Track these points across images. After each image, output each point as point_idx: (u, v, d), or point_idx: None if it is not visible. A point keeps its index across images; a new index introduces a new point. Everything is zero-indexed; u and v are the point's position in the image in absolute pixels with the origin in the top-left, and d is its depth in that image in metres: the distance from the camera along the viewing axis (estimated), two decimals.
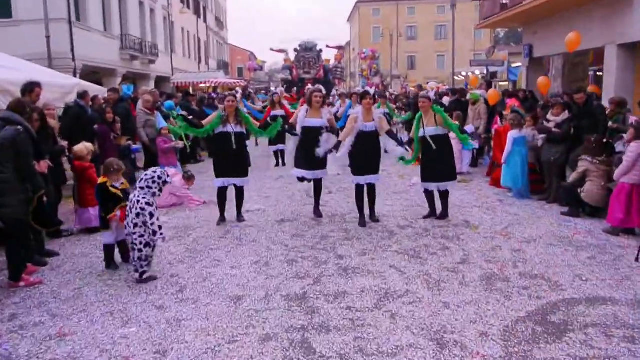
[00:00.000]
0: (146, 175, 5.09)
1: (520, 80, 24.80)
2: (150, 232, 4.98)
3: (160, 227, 5.00)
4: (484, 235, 6.50)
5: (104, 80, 21.71)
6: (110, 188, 5.44)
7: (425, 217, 7.30)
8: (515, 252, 5.82)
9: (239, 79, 46.61)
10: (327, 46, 34.31)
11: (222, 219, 7.20)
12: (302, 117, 7.05)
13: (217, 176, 7.01)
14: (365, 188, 7.05)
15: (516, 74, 26.58)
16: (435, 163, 7.04)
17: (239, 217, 7.31)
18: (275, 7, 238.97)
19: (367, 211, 7.17)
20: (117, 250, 5.60)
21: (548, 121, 8.64)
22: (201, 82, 28.78)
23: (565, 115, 8.47)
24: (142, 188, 5.03)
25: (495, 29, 69.68)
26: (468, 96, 12.34)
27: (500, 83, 31.19)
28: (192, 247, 6.13)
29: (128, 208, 5.08)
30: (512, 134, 8.53)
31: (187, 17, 35.88)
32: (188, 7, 37.31)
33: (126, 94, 12.49)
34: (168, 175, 5.21)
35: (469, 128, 10.88)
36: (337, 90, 25.01)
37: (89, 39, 19.10)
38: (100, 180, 5.51)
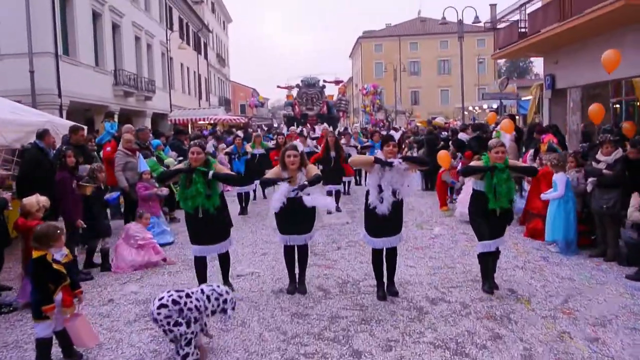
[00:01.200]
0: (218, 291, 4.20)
1: (531, 112, 23.65)
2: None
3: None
4: (541, 313, 5.01)
5: (95, 117, 20.59)
6: (53, 263, 4.05)
7: (486, 291, 5.61)
8: (592, 342, 4.33)
9: (240, 115, 45.75)
10: (325, 81, 33.35)
11: None
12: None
13: (192, 242, 5.60)
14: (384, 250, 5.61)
15: (526, 107, 25.42)
16: (498, 218, 5.57)
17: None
18: (277, 45, 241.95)
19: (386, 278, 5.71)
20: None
21: (597, 162, 7.25)
22: (200, 119, 27.67)
23: (619, 153, 7.09)
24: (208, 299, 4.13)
25: (504, 60, 69.13)
26: (494, 134, 11.02)
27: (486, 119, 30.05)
28: (159, 335, 4.63)
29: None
30: (560, 177, 7.13)
31: (186, 54, 35.10)
32: (188, 43, 36.60)
33: (108, 132, 11.19)
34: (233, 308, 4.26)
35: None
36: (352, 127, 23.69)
37: (78, 74, 17.97)
38: (36, 253, 4.10)
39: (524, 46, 14.06)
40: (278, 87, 31.48)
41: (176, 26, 32.92)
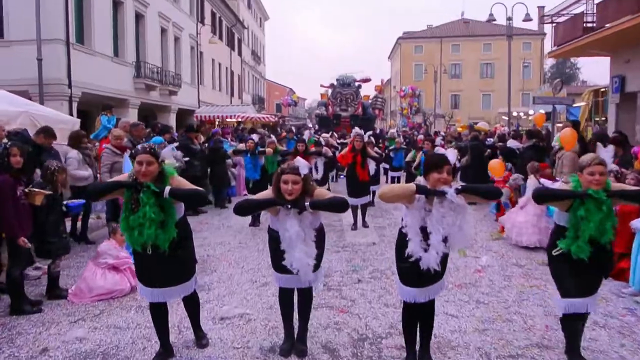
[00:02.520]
0: None
1: (582, 120, 21.46)
2: None
3: None
4: None
5: (114, 111, 19.43)
6: None
7: None
8: None
9: (275, 114, 44.50)
10: (355, 80, 31.54)
11: (164, 352, 4.08)
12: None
13: (140, 281, 4.00)
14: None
15: (576, 114, 23.25)
16: (591, 266, 3.74)
17: (199, 340, 4.32)
18: (315, 45, 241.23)
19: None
20: None
21: None
22: (228, 117, 26.40)
23: None
24: None
25: (550, 65, 66.06)
26: (554, 142, 9.22)
27: (558, 124, 27.78)
28: None
29: None
30: None
31: (219, 49, 33.99)
32: (221, 38, 35.50)
33: (105, 127, 9.86)
34: None
35: (548, 183, 7.71)
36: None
37: (93, 64, 16.82)
38: None
39: (588, 42, 12.15)
40: (321, 85, 29.97)
41: (208, 20, 31.79)
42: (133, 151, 7.94)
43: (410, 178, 11.68)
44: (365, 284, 6.09)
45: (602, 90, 23.98)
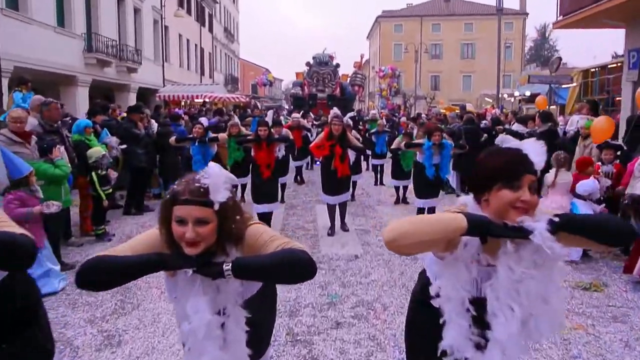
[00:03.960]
0: None
1: (570, 102, 20.01)
2: None
3: None
4: None
5: (61, 89, 17.26)
6: None
7: None
8: None
9: (248, 95, 42.35)
10: (339, 65, 29.43)
11: None
12: None
13: None
14: None
15: (565, 96, 21.79)
16: None
17: None
18: (292, 24, 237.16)
19: None
20: None
21: None
22: (195, 96, 24.25)
23: None
24: None
25: (529, 47, 65.07)
26: (574, 126, 7.50)
27: (552, 107, 26.35)
28: None
29: None
30: None
31: (186, 24, 31.59)
32: (189, 12, 33.06)
33: (18, 107, 7.83)
34: None
35: (590, 185, 6.02)
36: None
37: (30, 34, 14.50)
38: None
39: (600, 10, 10.45)
40: (297, 73, 28.12)
41: None
42: (43, 143, 6.01)
43: (398, 168, 9.91)
44: (346, 329, 4.30)
45: (592, 70, 22.51)
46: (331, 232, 7.46)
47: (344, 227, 7.68)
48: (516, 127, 10.96)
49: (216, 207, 1.79)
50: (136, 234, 2.34)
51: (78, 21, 17.49)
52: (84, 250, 6.49)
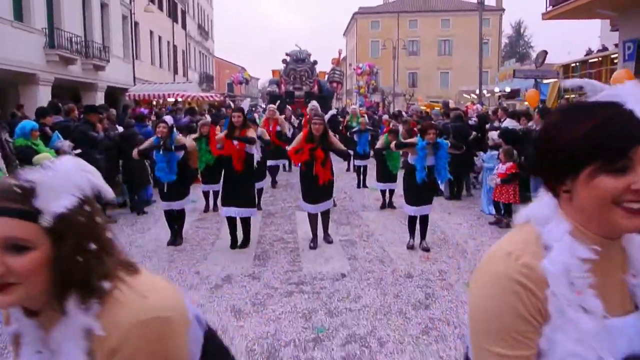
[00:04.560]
0: None
1: (551, 98, 19.63)
2: None
3: None
4: None
5: (20, 88, 16.14)
6: None
7: None
8: None
9: (224, 93, 41.34)
10: (316, 62, 28.61)
11: None
12: None
13: None
14: None
15: (545, 92, 21.44)
16: None
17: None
18: (266, 22, 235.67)
19: None
20: None
21: None
22: (168, 95, 23.21)
23: None
24: None
25: (505, 44, 65.19)
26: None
27: (526, 102, 26.02)
28: None
29: None
30: None
31: (158, 20, 30.47)
32: (160, 8, 31.92)
33: None
34: None
35: None
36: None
37: None
38: None
39: (594, 0, 9.89)
40: (274, 71, 27.35)
41: None
42: None
43: (383, 170, 9.18)
44: None
45: (573, 65, 22.16)
46: (313, 244, 6.68)
47: (327, 239, 6.91)
48: (508, 122, 10.35)
49: (45, 221, 1.01)
50: None
51: (38, 15, 16.34)
52: None
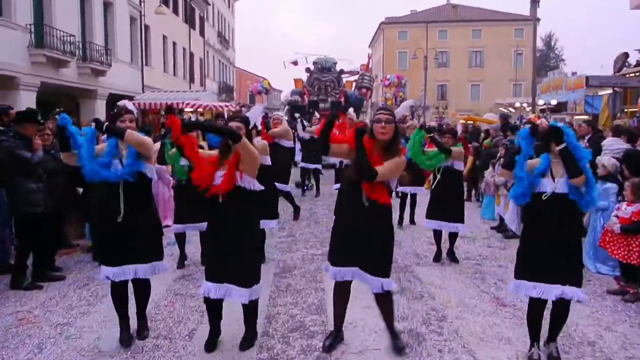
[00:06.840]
0: None
1: (604, 113, 16.74)
2: None
3: None
4: None
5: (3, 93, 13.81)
6: None
7: None
8: None
9: (239, 103, 39.01)
10: (342, 71, 25.97)
11: None
12: None
13: None
14: None
15: (598, 106, 18.54)
16: None
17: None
18: (292, 32, 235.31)
19: None
20: None
21: None
22: (180, 104, 20.82)
23: None
24: None
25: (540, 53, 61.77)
26: None
27: (577, 117, 23.09)
28: None
29: None
30: None
31: (172, 25, 28.29)
32: (176, 12, 29.78)
33: None
34: None
35: None
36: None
37: None
38: None
39: None
40: (284, 62, 25.08)
41: None
42: None
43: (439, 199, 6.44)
44: None
45: (631, 75, 19.06)
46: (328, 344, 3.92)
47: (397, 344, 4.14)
48: (611, 142, 7.57)
49: None
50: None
51: (21, 9, 14.00)
52: None
